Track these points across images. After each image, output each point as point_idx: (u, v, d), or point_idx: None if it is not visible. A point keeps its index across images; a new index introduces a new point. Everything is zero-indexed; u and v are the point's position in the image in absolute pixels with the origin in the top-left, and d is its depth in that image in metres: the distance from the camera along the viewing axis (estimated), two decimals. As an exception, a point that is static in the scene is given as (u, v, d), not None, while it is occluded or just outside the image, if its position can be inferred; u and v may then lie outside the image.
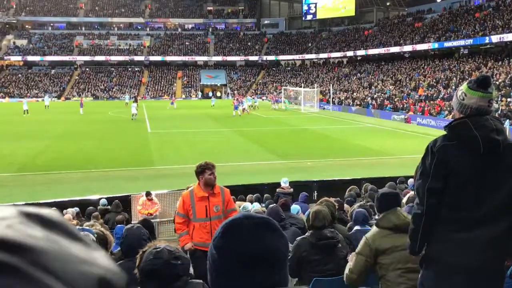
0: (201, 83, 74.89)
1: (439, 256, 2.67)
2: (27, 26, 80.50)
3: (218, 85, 75.25)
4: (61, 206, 9.93)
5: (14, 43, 75.78)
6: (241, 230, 1.09)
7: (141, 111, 42.30)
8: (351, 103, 47.85)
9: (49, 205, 10.55)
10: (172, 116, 38.56)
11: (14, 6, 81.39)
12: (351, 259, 3.77)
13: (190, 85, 74.39)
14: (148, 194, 11.02)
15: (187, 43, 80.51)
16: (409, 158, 17.94)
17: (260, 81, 75.28)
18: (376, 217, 3.97)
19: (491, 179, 2.61)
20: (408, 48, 53.36)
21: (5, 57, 73.42)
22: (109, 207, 10.40)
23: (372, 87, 50.51)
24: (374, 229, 3.81)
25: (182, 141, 24.65)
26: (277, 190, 10.79)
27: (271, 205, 6.43)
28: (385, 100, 43.46)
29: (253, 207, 8.20)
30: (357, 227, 5.26)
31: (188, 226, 5.37)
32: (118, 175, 16.42)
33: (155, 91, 71.56)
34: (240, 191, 11.51)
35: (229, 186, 12.00)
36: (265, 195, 10.73)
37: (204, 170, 5.30)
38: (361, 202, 7.84)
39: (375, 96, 46.49)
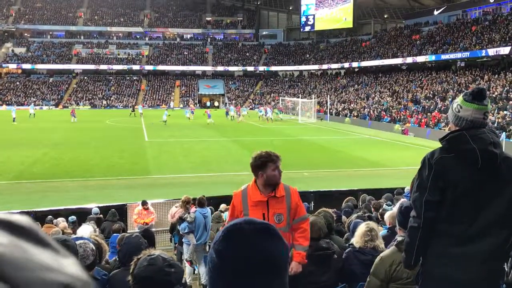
0: (199, 92, 75.03)
1: (435, 270, 2.62)
2: (26, 34, 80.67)
3: (216, 94, 75.43)
4: (57, 215, 9.90)
5: (12, 51, 75.86)
6: (242, 235, 1.08)
7: (138, 120, 42.31)
8: (348, 114, 48.01)
9: (45, 213, 10.51)
10: (169, 125, 38.56)
11: (14, 14, 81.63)
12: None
13: (188, 95, 74.53)
14: (144, 203, 10.99)
15: (185, 52, 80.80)
16: (406, 169, 17.97)
17: (258, 91, 75.51)
18: (399, 234, 3.59)
19: (488, 192, 2.59)
20: (405, 60, 53.69)
21: (3, 65, 73.44)
22: (101, 215, 10.36)
23: (370, 99, 50.70)
24: (392, 249, 3.56)
25: (180, 150, 24.64)
26: None
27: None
28: (382, 112, 43.61)
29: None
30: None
31: None
32: (114, 184, 16.38)
33: (152, 100, 71.64)
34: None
35: (226, 196, 12.04)
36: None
37: (265, 164, 3.87)
38: (359, 213, 7.84)
39: (372, 107, 46.67)
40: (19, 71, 74.76)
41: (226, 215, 9.14)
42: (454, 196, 2.60)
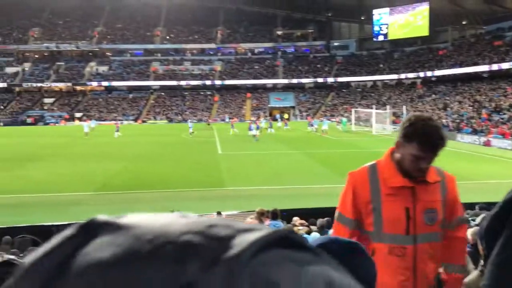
0: (269, 105, 75.69)
1: None
2: (108, 54, 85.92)
3: (287, 107, 75.67)
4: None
5: (96, 69, 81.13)
6: (331, 254, 0.98)
7: (211, 133, 43.39)
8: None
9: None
10: (241, 138, 39.15)
11: (97, 35, 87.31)
12: None
13: (258, 108, 75.42)
14: (218, 214, 11.18)
15: (256, 66, 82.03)
16: (490, 183, 16.89)
17: (330, 103, 74.80)
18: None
19: None
20: (486, 67, 50.85)
21: (88, 83, 78.66)
22: None
23: (448, 109, 48.48)
24: (477, 274, 3.12)
25: (252, 163, 24.90)
26: None
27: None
28: (461, 122, 41.50)
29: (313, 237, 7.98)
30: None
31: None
32: (190, 195, 16.85)
33: (225, 114, 73.31)
34: (309, 215, 11.36)
35: (298, 210, 11.98)
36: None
37: (420, 134, 2.45)
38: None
39: (451, 118, 44.56)
40: (102, 88, 79.71)
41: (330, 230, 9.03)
42: None
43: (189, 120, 53.42)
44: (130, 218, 0.44)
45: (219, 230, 0.39)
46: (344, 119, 51.80)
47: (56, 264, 0.38)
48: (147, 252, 0.37)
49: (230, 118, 66.20)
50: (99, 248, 0.39)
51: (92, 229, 0.42)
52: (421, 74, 63.25)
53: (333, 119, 63.76)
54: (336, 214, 2.75)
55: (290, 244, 0.40)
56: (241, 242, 0.37)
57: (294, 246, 0.40)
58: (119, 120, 66.37)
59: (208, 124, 53.29)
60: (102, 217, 0.44)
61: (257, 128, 38.34)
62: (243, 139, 38.46)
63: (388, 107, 52.75)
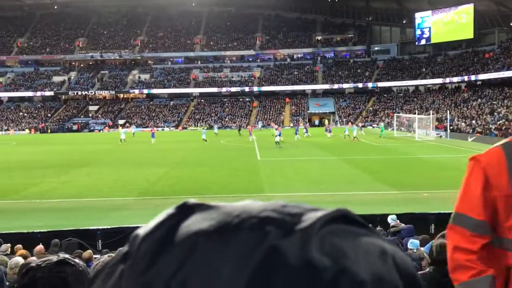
0: (309, 111, 75.28)
1: None
2: (149, 62, 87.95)
3: (327, 112, 75.06)
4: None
5: (138, 77, 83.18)
6: None
7: (247, 140, 43.54)
8: (471, 131, 44.68)
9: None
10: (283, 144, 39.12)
11: (139, 44, 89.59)
12: None
13: (298, 114, 75.15)
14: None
15: (295, 72, 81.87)
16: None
17: (371, 108, 73.65)
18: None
19: None
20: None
21: (131, 91, 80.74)
22: None
23: (495, 113, 46.77)
24: None
25: (291, 169, 24.79)
26: (391, 229, 10.04)
27: (389, 238, 6.09)
28: (510, 129, 39.92)
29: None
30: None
31: (491, 261, 1.87)
32: (231, 201, 16.76)
33: (263, 120, 73.43)
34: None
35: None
36: (378, 228, 10.24)
37: None
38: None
39: (498, 123, 42.93)
40: (144, 95, 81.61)
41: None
42: None
43: (203, 128, 53.12)
44: (216, 203, 0.53)
45: (291, 209, 0.50)
46: (383, 124, 50.84)
47: (165, 233, 0.48)
48: (237, 223, 0.47)
49: (263, 125, 66.35)
50: (197, 221, 0.48)
51: (187, 209, 0.51)
52: (466, 78, 61.38)
53: (374, 125, 62.85)
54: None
55: (349, 221, 0.50)
56: (310, 217, 0.48)
57: (352, 222, 0.50)
58: (157, 127, 67.78)
59: (239, 132, 53.07)
60: (193, 200, 0.52)
61: (279, 134, 38.12)
62: (284, 145, 38.37)
63: (431, 112, 51.43)
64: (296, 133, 45.07)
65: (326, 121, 72.67)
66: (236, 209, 0.50)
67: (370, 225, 0.52)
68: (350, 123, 60.60)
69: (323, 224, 0.47)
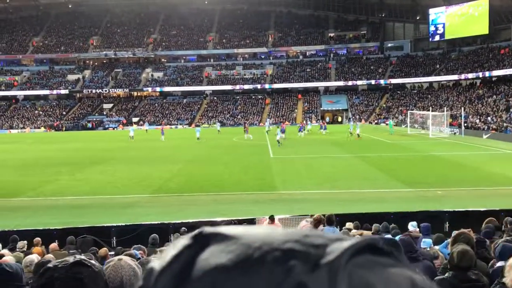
0: (321, 108, 75.02)
1: None
2: (163, 60, 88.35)
3: (339, 110, 74.75)
4: (193, 227, 10.48)
5: (152, 75, 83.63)
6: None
7: (263, 137, 43.54)
8: (486, 127, 44.14)
9: (180, 225, 11.25)
10: (293, 141, 39.02)
11: (152, 42, 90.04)
12: None
13: (310, 111, 74.92)
14: (271, 218, 11.16)
15: (308, 69, 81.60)
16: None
17: (384, 105, 73.15)
18: None
19: None
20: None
21: (144, 88, 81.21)
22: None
23: (511, 110, 46.15)
24: None
25: (304, 166, 24.74)
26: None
27: (402, 237, 6.05)
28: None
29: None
30: (501, 263, 4.71)
31: None
32: (243, 199, 16.96)
33: (276, 118, 73.36)
34: (364, 220, 11.13)
35: (352, 214, 11.75)
36: (391, 225, 10.19)
37: None
38: (507, 238, 7.05)
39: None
40: (157, 93, 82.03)
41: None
42: None
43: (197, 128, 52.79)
44: (231, 229, 0.50)
45: (314, 239, 0.46)
46: (391, 121, 50.42)
47: (181, 268, 0.45)
48: (258, 257, 0.44)
49: (271, 123, 66.18)
50: (216, 255, 0.45)
51: (204, 239, 0.48)
52: (481, 75, 60.63)
53: (387, 122, 62.47)
54: None
55: (376, 250, 0.47)
56: (337, 248, 0.45)
57: (379, 252, 0.47)
58: (170, 124, 68.07)
59: (245, 130, 52.57)
60: (209, 228, 0.50)
61: (283, 132, 38.28)
62: (294, 142, 38.32)
63: (445, 109, 50.90)
64: (300, 131, 45.85)
65: (339, 118, 72.39)
66: (256, 240, 0.47)
67: (399, 253, 0.51)
68: (363, 120, 60.30)
69: (350, 256, 0.45)
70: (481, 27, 67.30)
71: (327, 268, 0.43)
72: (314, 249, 0.45)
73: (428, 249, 6.72)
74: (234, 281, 0.43)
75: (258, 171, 23.41)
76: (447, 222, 11.83)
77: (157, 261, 0.47)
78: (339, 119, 72.93)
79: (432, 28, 74.85)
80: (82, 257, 1.56)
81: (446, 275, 4.03)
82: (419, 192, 17.41)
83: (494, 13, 66.42)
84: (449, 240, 5.01)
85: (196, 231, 0.49)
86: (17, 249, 8.45)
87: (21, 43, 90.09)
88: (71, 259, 1.50)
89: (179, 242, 0.48)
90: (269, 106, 77.27)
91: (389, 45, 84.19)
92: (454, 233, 5.61)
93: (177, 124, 71.67)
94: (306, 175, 22.01)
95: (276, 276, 0.42)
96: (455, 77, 66.26)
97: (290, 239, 0.46)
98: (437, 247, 6.97)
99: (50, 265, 1.48)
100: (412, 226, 10.04)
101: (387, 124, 52.17)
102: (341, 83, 77.74)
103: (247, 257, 0.44)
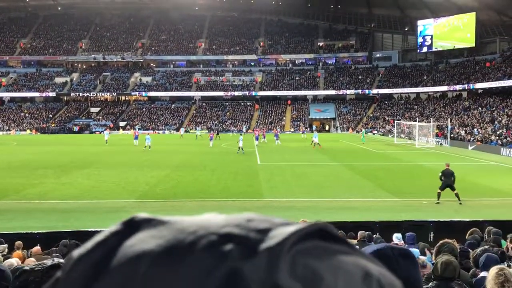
0: (309, 117, 75.35)
1: None
2: (152, 65, 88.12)
3: (327, 118, 75.16)
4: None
5: (140, 80, 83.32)
6: (389, 260, 1.13)
7: (251, 144, 43.53)
8: (471, 139, 44.67)
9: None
10: (281, 149, 39.06)
11: (142, 47, 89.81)
12: None
13: (298, 119, 75.19)
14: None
15: (297, 78, 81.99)
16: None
17: (371, 114, 73.71)
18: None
19: None
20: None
21: (132, 93, 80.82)
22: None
23: (495, 122, 46.78)
24: None
25: (291, 173, 24.77)
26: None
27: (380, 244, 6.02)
28: (509, 136, 39.91)
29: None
30: (484, 273, 4.74)
31: None
32: (229, 205, 16.89)
33: (265, 125, 73.51)
34: (349, 228, 11.14)
35: (337, 222, 11.77)
36: (375, 236, 10.21)
37: None
38: (485, 247, 7.12)
39: (499, 132, 42.94)
40: (145, 98, 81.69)
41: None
42: None
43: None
44: (170, 216, 0.46)
45: (258, 224, 0.42)
46: (364, 130, 50.40)
47: (102, 255, 0.41)
48: (191, 242, 0.39)
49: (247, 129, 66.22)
50: (144, 241, 0.41)
51: (135, 225, 0.44)
52: (467, 86, 61.45)
53: (374, 131, 62.86)
54: None
55: (326, 236, 0.42)
56: (280, 233, 0.40)
57: (330, 238, 0.42)
58: (157, 129, 67.70)
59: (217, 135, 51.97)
60: (143, 214, 0.46)
61: (256, 139, 38.29)
62: (284, 150, 38.38)
63: (431, 119, 51.44)
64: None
65: (327, 127, 72.78)
66: (192, 224, 0.42)
67: (355, 242, 0.56)
68: (351, 129, 60.56)
69: (296, 241, 0.40)
70: (468, 40, 68.38)
71: (266, 254, 0.38)
72: (255, 234, 0.40)
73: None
74: (160, 269, 0.38)
75: (245, 178, 23.36)
76: (432, 232, 11.90)
77: (78, 249, 0.43)
78: (327, 127, 73.29)
79: (420, 39, 75.79)
80: (61, 260, 1.54)
81: (430, 285, 4.06)
82: (404, 202, 17.51)
83: (480, 27, 67.53)
84: (434, 253, 5.02)
85: (129, 217, 0.46)
86: (-2, 253, 8.30)
87: (8, 44, 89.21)
88: (49, 262, 1.48)
89: (108, 229, 0.45)
90: (257, 113, 77.37)
91: (378, 55, 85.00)
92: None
93: (165, 129, 71.36)
94: (293, 182, 22.02)
95: (207, 262, 0.38)
96: (442, 88, 67.07)
97: (230, 223, 0.42)
98: (423, 257, 7.00)
99: (26, 267, 1.45)
100: (397, 238, 10.03)
101: (375, 134, 52.45)
102: (329, 92, 78.23)
103: (178, 243, 0.40)
